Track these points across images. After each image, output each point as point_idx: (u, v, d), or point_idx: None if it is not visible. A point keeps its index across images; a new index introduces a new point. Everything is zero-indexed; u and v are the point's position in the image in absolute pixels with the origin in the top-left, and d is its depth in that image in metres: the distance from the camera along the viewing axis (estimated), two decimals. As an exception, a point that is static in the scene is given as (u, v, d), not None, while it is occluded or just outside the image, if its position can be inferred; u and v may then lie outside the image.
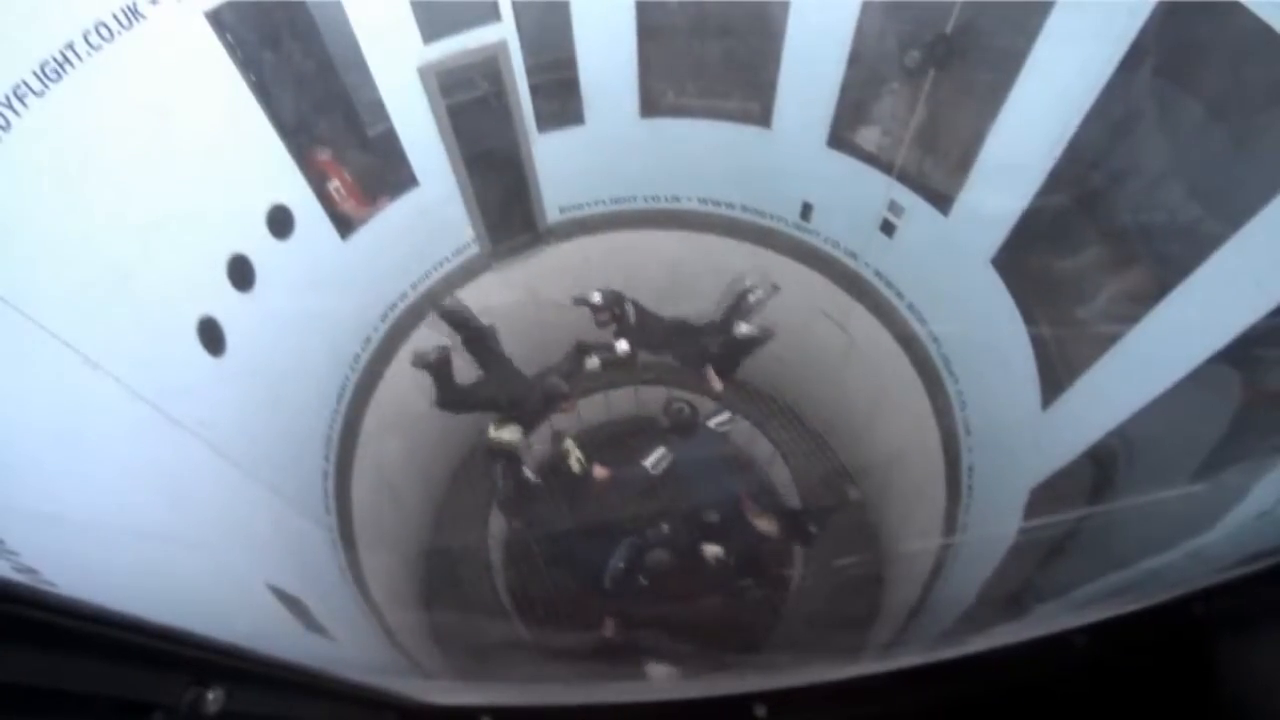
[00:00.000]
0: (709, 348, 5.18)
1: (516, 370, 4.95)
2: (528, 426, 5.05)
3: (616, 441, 6.21)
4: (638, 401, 6.48)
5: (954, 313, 4.38)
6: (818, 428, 6.41)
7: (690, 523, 4.50)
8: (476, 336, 4.85)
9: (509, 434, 4.69)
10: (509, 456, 4.70)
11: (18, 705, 0.75)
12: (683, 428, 4.56)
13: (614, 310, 4.93)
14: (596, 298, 4.93)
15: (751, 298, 5.10)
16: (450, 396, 4.85)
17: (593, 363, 5.13)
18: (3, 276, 2.16)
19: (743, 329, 5.05)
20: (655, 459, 4.46)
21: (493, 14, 4.11)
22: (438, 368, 4.70)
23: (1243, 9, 2.42)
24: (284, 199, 3.72)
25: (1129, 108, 3.10)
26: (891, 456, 5.36)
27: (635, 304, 5.05)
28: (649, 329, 5.10)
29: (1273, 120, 2.64)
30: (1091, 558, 3.04)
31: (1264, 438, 2.56)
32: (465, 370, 4.95)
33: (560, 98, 4.69)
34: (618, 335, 5.04)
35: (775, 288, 5.15)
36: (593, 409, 6.38)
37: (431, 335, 4.94)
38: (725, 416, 4.85)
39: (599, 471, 4.67)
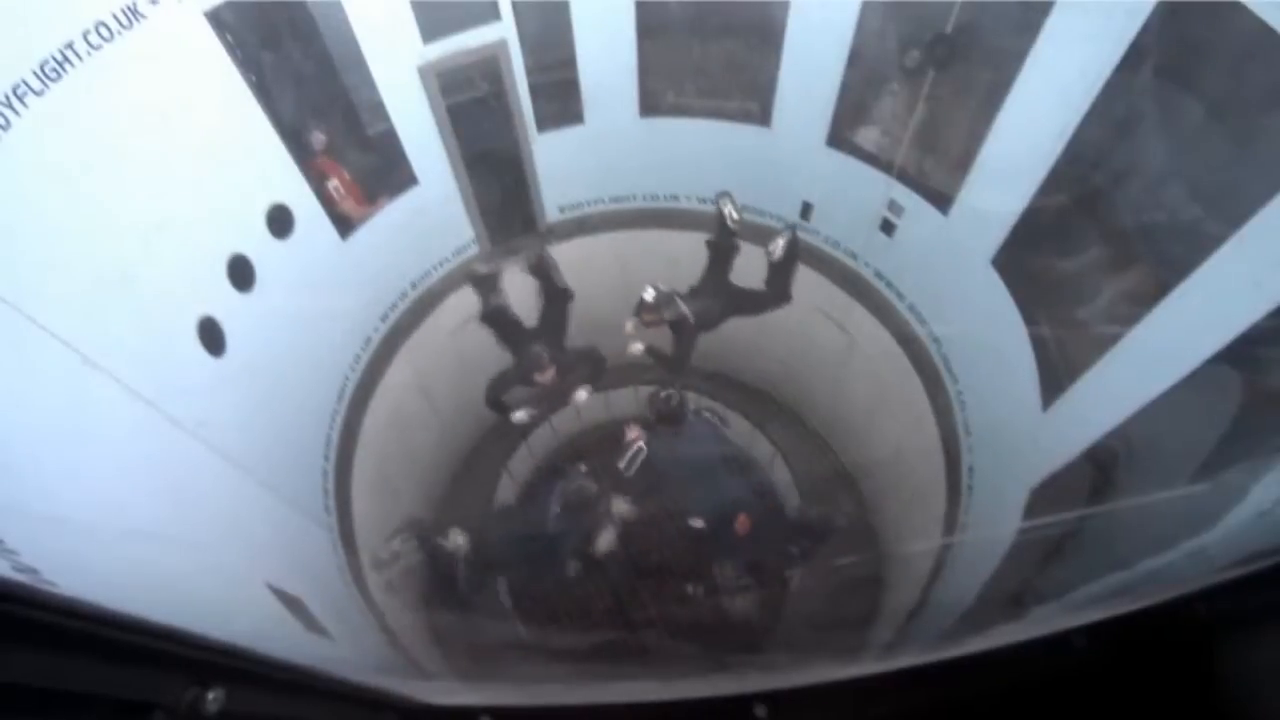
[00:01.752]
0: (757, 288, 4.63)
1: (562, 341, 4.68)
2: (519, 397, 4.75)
3: (614, 442, 6.18)
4: (637, 402, 6.48)
5: (954, 313, 4.38)
6: (818, 428, 6.41)
7: (676, 526, 4.24)
8: (555, 295, 4.60)
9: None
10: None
11: (18, 705, 0.75)
12: (668, 419, 4.20)
13: (664, 313, 4.43)
14: (650, 294, 4.37)
15: (727, 210, 4.45)
16: (492, 314, 4.59)
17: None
18: (3, 276, 2.16)
19: (776, 251, 4.41)
20: (629, 457, 4.16)
21: (493, 14, 4.11)
22: (484, 282, 4.51)
23: (1243, 9, 2.42)
24: (284, 198, 3.72)
25: (1129, 108, 3.10)
26: (891, 456, 5.36)
27: (681, 296, 4.49)
28: (704, 309, 4.55)
29: (1273, 120, 2.64)
30: (1091, 558, 3.04)
31: (1264, 438, 2.56)
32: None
33: (560, 98, 4.68)
34: (676, 337, 4.58)
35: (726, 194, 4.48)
36: (592, 409, 6.37)
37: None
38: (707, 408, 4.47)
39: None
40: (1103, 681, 1.14)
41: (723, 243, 4.53)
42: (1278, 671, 1.08)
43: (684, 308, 4.43)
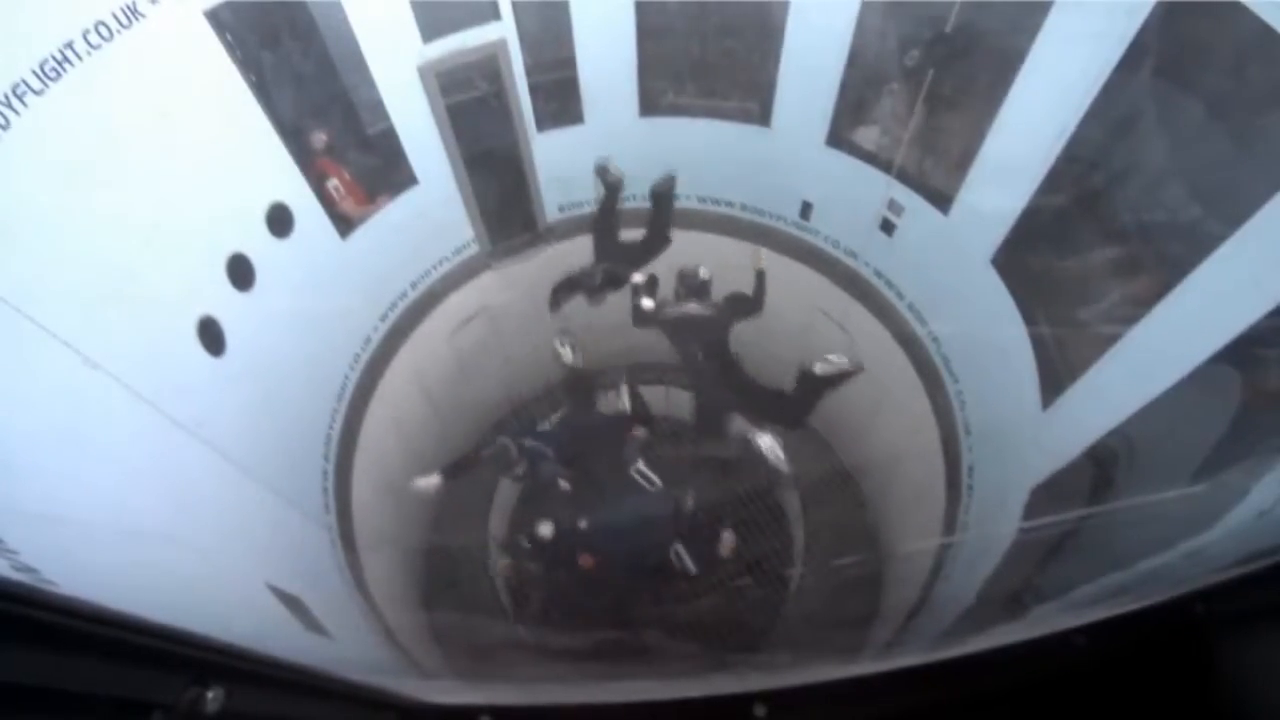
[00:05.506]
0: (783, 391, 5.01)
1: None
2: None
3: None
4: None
5: (954, 313, 4.38)
6: (818, 428, 6.40)
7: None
8: (610, 207, 5.08)
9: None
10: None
11: (18, 705, 0.75)
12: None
13: (641, 299, 4.76)
14: (638, 277, 4.75)
15: (819, 368, 4.76)
16: (605, 219, 5.17)
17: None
18: (3, 276, 2.16)
19: (818, 366, 4.75)
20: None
21: (493, 13, 4.10)
22: (613, 184, 4.99)
23: (1243, 9, 2.42)
24: (284, 198, 3.72)
25: (1129, 108, 3.10)
26: (891, 456, 5.36)
27: (692, 310, 4.77)
28: (689, 330, 4.87)
29: (1273, 120, 2.64)
30: (1091, 558, 3.04)
31: (1264, 438, 2.56)
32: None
33: (560, 97, 4.68)
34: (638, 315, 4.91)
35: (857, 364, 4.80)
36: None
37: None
38: (649, 474, 4.94)
39: None
40: (1103, 681, 1.14)
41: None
42: (1277, 671, 1.09)
43: (671, 311, 4.71)
